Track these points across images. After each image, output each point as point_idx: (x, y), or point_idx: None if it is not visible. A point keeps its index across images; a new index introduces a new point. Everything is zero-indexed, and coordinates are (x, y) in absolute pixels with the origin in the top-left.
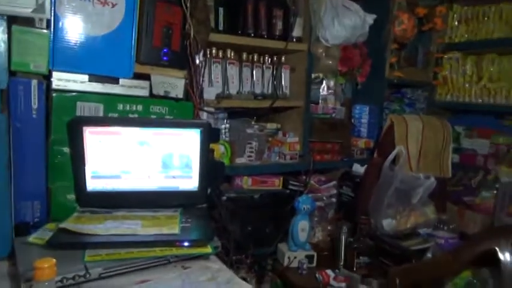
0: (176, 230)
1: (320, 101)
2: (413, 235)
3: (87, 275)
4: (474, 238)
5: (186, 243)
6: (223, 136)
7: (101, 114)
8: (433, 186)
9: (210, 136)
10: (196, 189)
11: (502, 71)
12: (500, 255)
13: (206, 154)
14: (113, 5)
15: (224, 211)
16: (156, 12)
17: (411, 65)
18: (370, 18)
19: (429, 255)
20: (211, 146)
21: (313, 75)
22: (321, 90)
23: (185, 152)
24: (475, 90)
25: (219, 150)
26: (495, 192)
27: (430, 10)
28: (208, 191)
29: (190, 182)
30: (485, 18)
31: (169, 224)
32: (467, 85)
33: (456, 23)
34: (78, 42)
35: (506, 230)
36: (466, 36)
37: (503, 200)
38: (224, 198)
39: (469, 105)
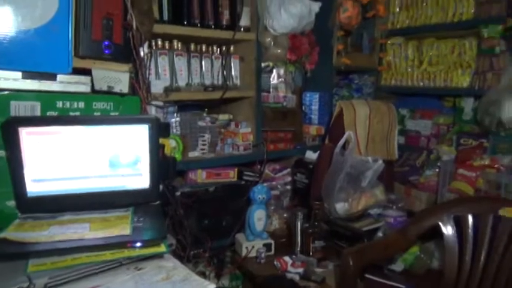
0: (127, 231)
1: (271, 89)
2: (364, 216)
3: (32, 286)
4: (419, 215)
5: (138, 244)
6: (174, 130)
7: (38, 113)
8: (381, 168)
9: (159, 131)
10: (147, 186)
11: (440, 55)
12: (443, 229)
13: (156, 150)
14: None
15: (179, 207)
16: (94, 2)
17: (357, 51)
18: (316, 6)
19: (380, 234)
20: (162, 141)
21: (263, 64)
22: (271, 78)
23: (133, 149)
24: (416, 74)
25: (170, 145)
26: (437, 170)
27: None
28: (161, 187)
29: (141, 180)
30: (424, 4)
31: (119, 225)
32: (409, 69)
33: (397, 9)
34: (8, 36)
35: (447, 205)
36: (407, 22)
37: (444, 177)
38: (178, 193)
39: (412, 88)
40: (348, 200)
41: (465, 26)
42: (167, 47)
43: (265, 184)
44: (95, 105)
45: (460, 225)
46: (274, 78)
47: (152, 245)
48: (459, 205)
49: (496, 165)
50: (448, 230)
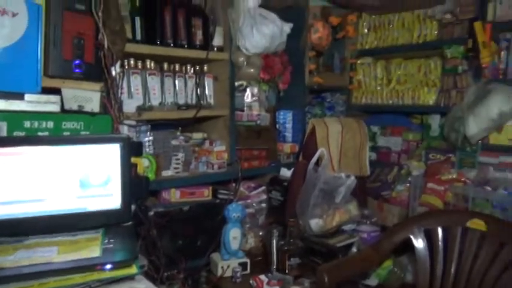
0: (97, 253)
1: (245, 108)
2: (339, 232)
3: None
4: (391, 230)
5: (108, 266)
6: (147, 149)
7: (5, 133)
8: (353, 184)
9: (131, 150)
10: (119, 207)
11: (407, 74)
12: (415, 242)
13: (128, 169)
14: (14, 15)
15: (152, 227)
16: (64, 22)
17: (329, 70)
18: (287, 27)
19: (354, 249)
20: (134, 160)
21: (237, 83)
22: (245, 97)
23: (105, 169)
24: (385, 93)
25: (143, 164)
26: (408, 185)
27: (342, 19)
28: (133, 207)
29: (112, 200)
30: (391, 26)
31: (89, 247)
32: (379, 88)
33: (366, 30)
34: None
35: (418, 219)
36: (375, 42)
37: (415, 192)
38: (151, 213)
39: (381, 106)
40: (322, 216)
41: (430, 47)
42: (140, 67)
43: (240, 202)
44: (65, 125)
45: (430, 238)
46: (248, 97)
47: (123, 266)
48: (429, 218)
49: (463, 179)
50: (419, 243)
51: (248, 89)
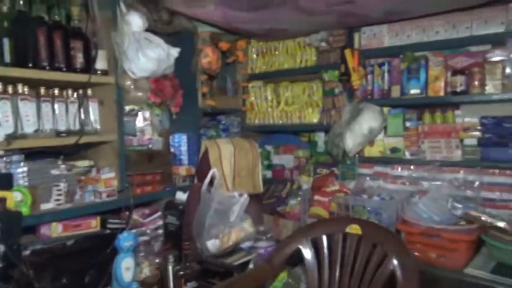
0: None
1: (137, 133)
2: (236, 251)
3: None
4: (282, 243)
5: None
6: (21, 181)
7: None
8: (246, 202)
9: None
10: None
11: (294, 96)
12: (303, 252)
13: None
14: None
15: (28, 268)
16: None
17: (223, 93)
18: (175, 51)
19: (251, 266)
20: (1, 194)
21: (128, 108)
22: (137, 122)
23: None
24: (276, 113)
25: (15, 198)
26: (299, 199)
27: (231, 44)
28: (2, 248)
29: None
30: (276, 52)
31: None
32: (269, 109)
33: (255, 56)
34: None
35: (305, 229)
36: (264, 67)
37: (304, 205)
38: (27, 252)
39: (273, 126)
40: (218, 236)
41: (311, 71)
42: (10, 91)
43: (134, 230)
44: None
45: (317, 246)
46: (140, 122)
47: None
48: (315, 228)
49: (344, 190)
50: (307, 252)
51: (140, 113)
